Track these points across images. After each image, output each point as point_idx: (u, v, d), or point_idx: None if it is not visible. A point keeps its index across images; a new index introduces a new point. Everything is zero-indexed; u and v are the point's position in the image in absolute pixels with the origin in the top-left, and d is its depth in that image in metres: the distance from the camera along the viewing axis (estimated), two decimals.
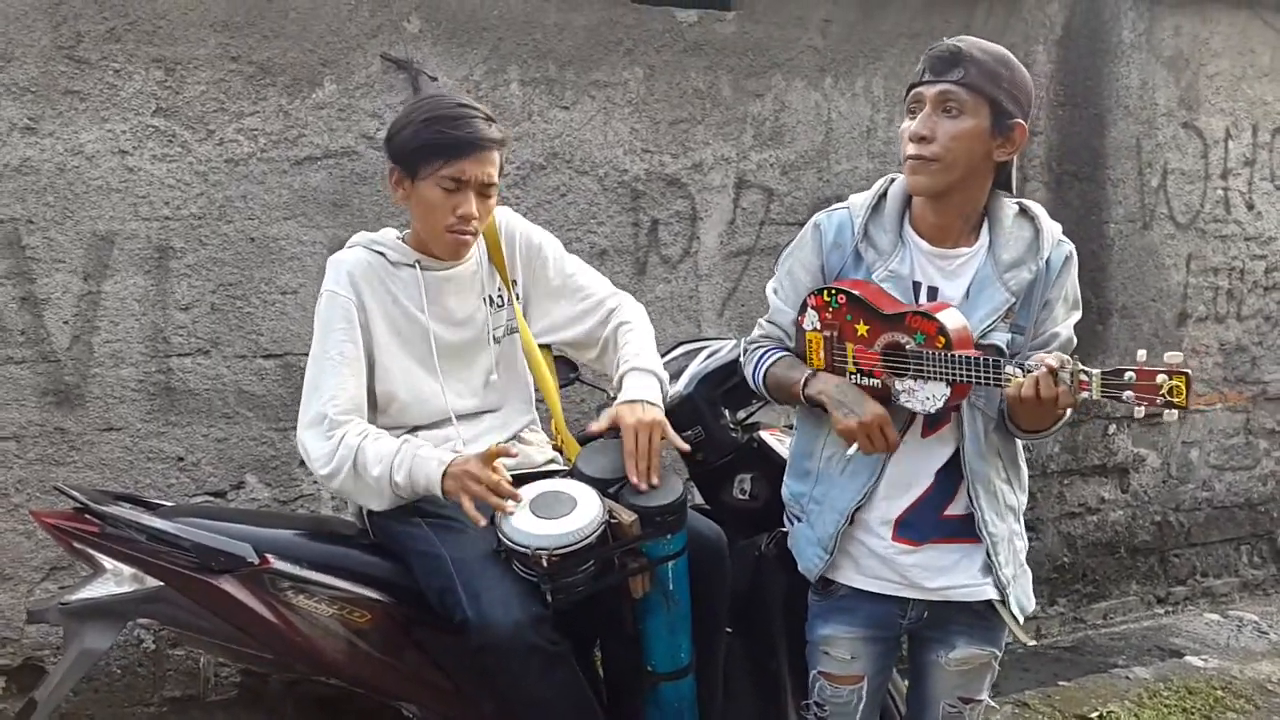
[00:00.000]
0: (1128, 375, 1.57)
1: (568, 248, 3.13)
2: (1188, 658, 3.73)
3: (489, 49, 3.03)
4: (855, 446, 1.81)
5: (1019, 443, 1.93)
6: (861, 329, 1.82)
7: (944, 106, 1.77)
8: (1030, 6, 3.71)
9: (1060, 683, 3.55)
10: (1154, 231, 4.07)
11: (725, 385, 2.21)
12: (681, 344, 2.38)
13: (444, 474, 1.84)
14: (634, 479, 1.87)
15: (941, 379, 1.74)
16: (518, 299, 2.14)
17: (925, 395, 1.77)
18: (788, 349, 1.98)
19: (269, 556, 1.83)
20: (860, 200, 1.94)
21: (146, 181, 2.74)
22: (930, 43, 1.84)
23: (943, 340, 1.74)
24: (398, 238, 2.08)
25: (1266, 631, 4.05)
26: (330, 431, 1.89)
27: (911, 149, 1.80)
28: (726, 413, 2.24)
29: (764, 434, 2.25)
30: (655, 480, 1.88)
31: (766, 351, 2.00)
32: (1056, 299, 1.86)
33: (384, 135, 2.09)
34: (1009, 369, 1.68)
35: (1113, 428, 4.10)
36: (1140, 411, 1.59)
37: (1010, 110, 1.78)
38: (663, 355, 2.35)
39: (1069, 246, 1.89)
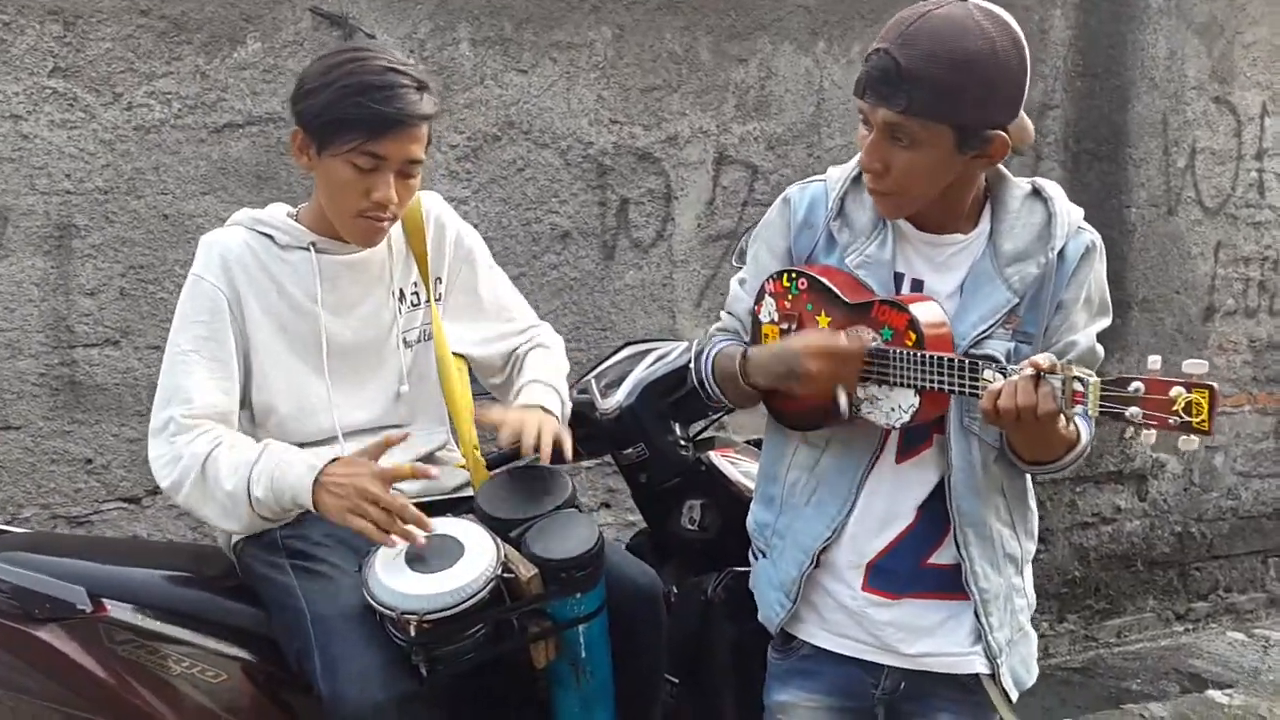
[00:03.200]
0: (1134, 387, 1.24)
1: (526, 228, 2.88)
2: (1210, 692, 3.42)
3: (435, 4, 2.71)
4: (844, 400, 1.47)
5: (1029, 478, 1.60)
6: (823, 320, 1.51)
7: (893, 136, 1.43)
8: None
9: None
10: (1180, 217, 3.74)
11: (675, 395, 1.90)
12: (628, 345, 2.08)
13: (316, 481, 1.54)
14: (503, 441, 1.65)
15: (909, 385, 1.42)
16: (438, 300, 1.83)
17: (890, 405, 1.45)
18: (745, 344, 1.67)
19: (106, 603, 1.54)
20: (839, 172, 1.61)
21: (44, 150, 2.44)
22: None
23: (913, 337, 1.42)
24: (289, 215, 1.77)
25: None
26: (175, 436, 1.60)
27: (868, 180, 1.50)
28: (677, 427, 1.94)
29: (714, 455, 1.94)
30: (546, 451, 1.64)
31: (717, 344, 1.69)
32: (1073, 300, 1.51)
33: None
34: (987, 373, 1.35)
35: (1129, 431, 3.74)
36: (1150, 436, 1.25)
37: (980, 124, 1.42)
38: (605, 358, 2.06)
39: (1091, 236, 1.54)
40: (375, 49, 1.75)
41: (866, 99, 1.43)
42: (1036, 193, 1.54)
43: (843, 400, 1.47)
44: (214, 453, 1.59)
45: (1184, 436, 1.22)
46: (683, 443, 1.94)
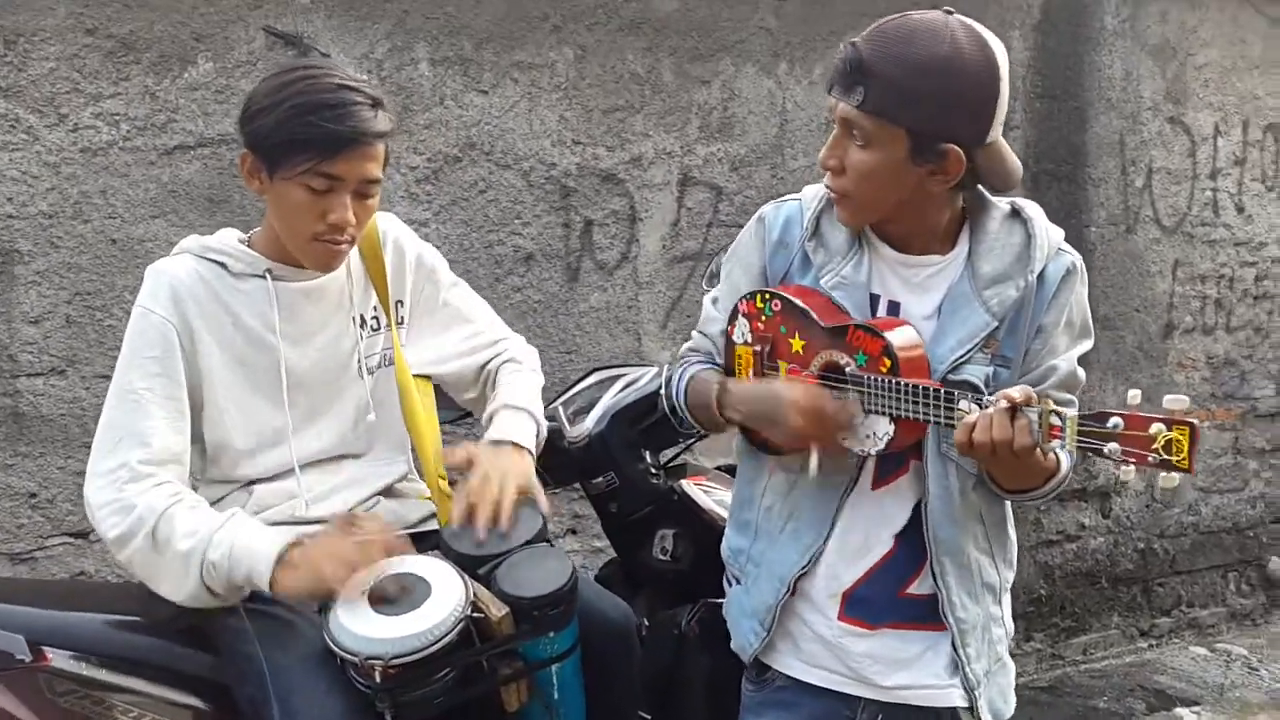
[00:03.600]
0: (1113, 422, 1.19)
1: (488, 251, 2.83)
2: (1178, 710, 3.41)
3: (393, 23, 2.65)
4: (815, 461, 1.44)
5: (1008, 505, 1.57)
6: (797, 344, 1.47)
7: (850, 133, 1.42)
8: None
9: None
10: (1138, 235, 3.76)
11: (645, 422, 1.86)
12: (596, 370, 2.03)
13: (280, 559, 1.44)
14: (455, 519, 1.54)
15: (884, 412, 1.38)
16: (400, 324, 1.76)
17: (865, 433, 1.41)
18: (718, 365, 1.63)
19: (47, 651, 1.45)
20: (813, 191, 1.58)
21: None
22: None
23: (888, 363, 1.38)
24: (241, 240, 1.70)
25: (1256, 668, 3.78)
26: (129, 484, 1.50)
27: (826, 178, 1.48)
28: (647, 455, 1.89)
29: (686, 483, 1.89)
30: (503, 523, 1.54)
31: (690, 366, 1.64)
32: (1054, 324, 1.47)
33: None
34: (963, 404, 1.31)
35: (1111, 465, 3.78)
36: (1129, 472, 1.20)
37: (934, 135, 1.37)
38: (573, 385, 2.01)
39: (1072, 258, 1.50)
40: (326, 66, 1.68)
41: (832, 92, 1.43)
42: (1016, 213, 1.51)
43: (813, 462, 1.44)
44: (171, 509, 1.49)
45: (1164, 474, 1.18)
46: (654, 470, 1.89)
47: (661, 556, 1.88)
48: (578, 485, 1.97)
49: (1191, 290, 3.90)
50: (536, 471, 1.78)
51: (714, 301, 1.65)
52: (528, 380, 1.81)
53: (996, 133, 1.41)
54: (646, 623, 1.86)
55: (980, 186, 1.50)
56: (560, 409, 1.93)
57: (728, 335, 1.57)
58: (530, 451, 1.68)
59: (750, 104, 3.08)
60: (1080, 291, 1.51)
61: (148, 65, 2.45)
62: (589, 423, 1.87)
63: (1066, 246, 1.51)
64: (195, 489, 1.61)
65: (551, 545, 1.56)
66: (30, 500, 2.46)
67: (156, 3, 2.44)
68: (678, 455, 1.99)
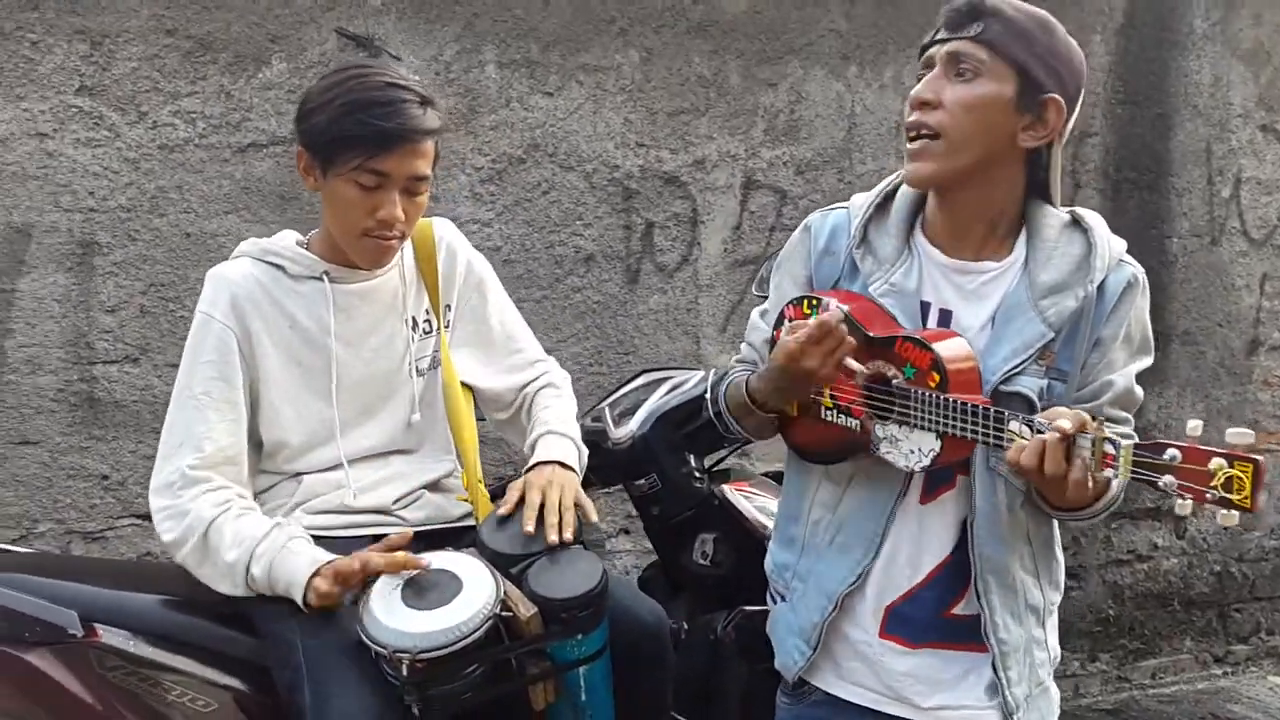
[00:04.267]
0: (1170, 454, 1.13)
1: (549, 251, 2.85)
2: None
3: (462, 26, 2.69)
4: (852, 364, 1.41)
5: (1055, 525, 1.52)
6: (853, 344, 1.42)
7: (956, 68, 1.38)
8: None
9: None
10: (1223, 248, 3.62)
11: (690, 425, 1.85)
12: (644, 372, 2.03)
13: (315, 574, 1.50)
14: (528, 527, 1.55)
15: (930, 429, 1.34)
16: (447, 327, 1.79)
17: (910, 448, 1.37)
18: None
19: (98, 628, 1.50)
20: (862, 199, 1.55)
21: (69, 168, 2.45)
22: None
23: (936, 378, 1.34)
24: (299, 243, 1.74)
25: None
26: (183, 490, 1.57)
27: (912, 116, 1.41)
28: (691, 458, 1.88)
29: (727, 488, 1.88)
30: (569, 535, 1.54)
31: (733, 375, 1.62)
32: (1112, 338, 1.42)
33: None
34: (1014, 425, 1.26)
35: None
36: (1186, 507, 1.13)
37: (1042, 81, 1.37)
38: (620, 386, 2.02)
39: (1134, 270, 1.45)
40: (377, 65, 1.72)
41: (939, 35, 1.41)
42: (1076, 222, 1.46)
43: (854, 365, 1.40)
44: (219, 520, 1.55)
45: (1223, 511, 1.12)
46: (697, 474, 1.89)
47: (701, 561, 1.87)
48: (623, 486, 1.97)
49: None
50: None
51: (762, 314, 1.64)
52: (567, 406, 1.82)
53: (1073, 121, 1.43)
54: (686, 626, 1.86)
55: (1038, 199, 1.47)
56: (606, 410, 1.94)
57: (773, 341, 1.54)
58: (576, 471, 1.69)
59: (818, 107, 3.05)
60: (1141, 305, 1.45)
61: (224, 65, 2.53)
62: (633, 424, 1.87)
63: (1128, 258, 1.46)
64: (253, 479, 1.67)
65: (585, 547, 1.56)
66: (103, 482, 2.56)
67: (233, 4, 2.51)
68: (722, 460, 1.98)
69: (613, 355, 2.90)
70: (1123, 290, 1.42)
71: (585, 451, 1.78)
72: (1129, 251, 1.49)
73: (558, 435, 1.73)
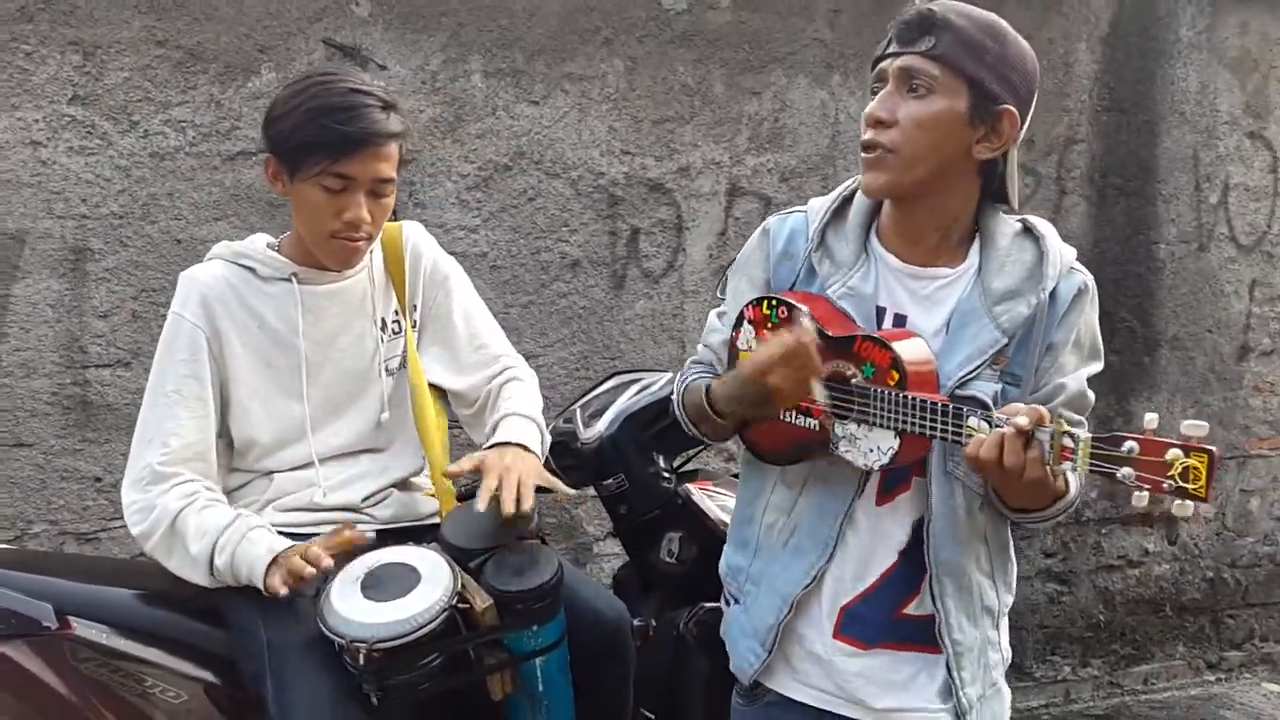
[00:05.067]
0: (1128, 446, 1.15)
1: (535, 257, 2.89)
2: None
3: (448, 36, 2.74)
4: (820, 391, 1.40)
5: (1010, 527, 1.53)
6: (822, 372, 1.43)
7: (909, 84, 1.39)
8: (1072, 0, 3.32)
9: None
10: (1212, 254, 3.64)
11: (657, 425, 1.88)
12: (615, 375, 2.06)
13: (272, 563, 1.55)
14: (480, 503, 1.55)
15: (889, 426, 1.36)
16: (414, 326, 1.83)
17: (869, 446, 1.38)
18: (719, 375, 1.61)
19: (72, 620, 1.55)
20: (820, 203, 1.57)
21: (62, 176, 2.51)
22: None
23: (896, 376, 1.35)
24: (269, 246, 1.79)
25: None
26: (151, 485, 1.61)
27: (867, 134, 1.42)
28: (660, 459, 1.91)
29: (692, 487, 1.91)
30: (525, 506, 1.56)
31: (690, 377, 1.64)
32: (1063, 342, 1.45)
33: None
34: (972, 421, 1.28)
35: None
36: (1143, 499, 1.15)
37: (996, 93, 1.38)
38: (592, 388, 2.05)
39: (1083, 277, 1.48)
40: (341, 72, 1.76)
41: (891, 48, 1.42)
42: (1028, 230, 1.49)
43: (819, 391, 1.40)
44: (185, 512, 1.60)
45: (1179, 501, 1.14)
46: (665, 474, 1.92)
47: (668, 559, 1.90)
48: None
49: (1270, 311, 3.75)
50: (552, 470, 1.83)
51: (720, 315, 1.65)
52: (531, 396, 1.84)
53: (1027, 124, 1.44)
54: (654, 623, 1.88)
55: (993, 205, 1.50)
56: (577, 411, 1.97)
57: (733, 342, 1.55)
58: (536, 454, 1.71)
59: (802, 115, 3.09)
60: (1090, 312, 1.48)
61: (214, 75, 2.58)
62: (601, 425, 1.90)
63: (1078, 265, 1.49)
64: (225, 477, 1.71)
65: (544, 542, 1.59)
66: (95, 484, 2.61)
67: (223, 16, 2.57)
68: (690, 459, 2.01)
69: (599, 360, 2.93)
70: (1074, 297, 1.45)
71: (549, 437, 1.80)
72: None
73: (519, 417, 1.75)
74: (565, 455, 1.90)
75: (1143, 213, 3.53)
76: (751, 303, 1.52)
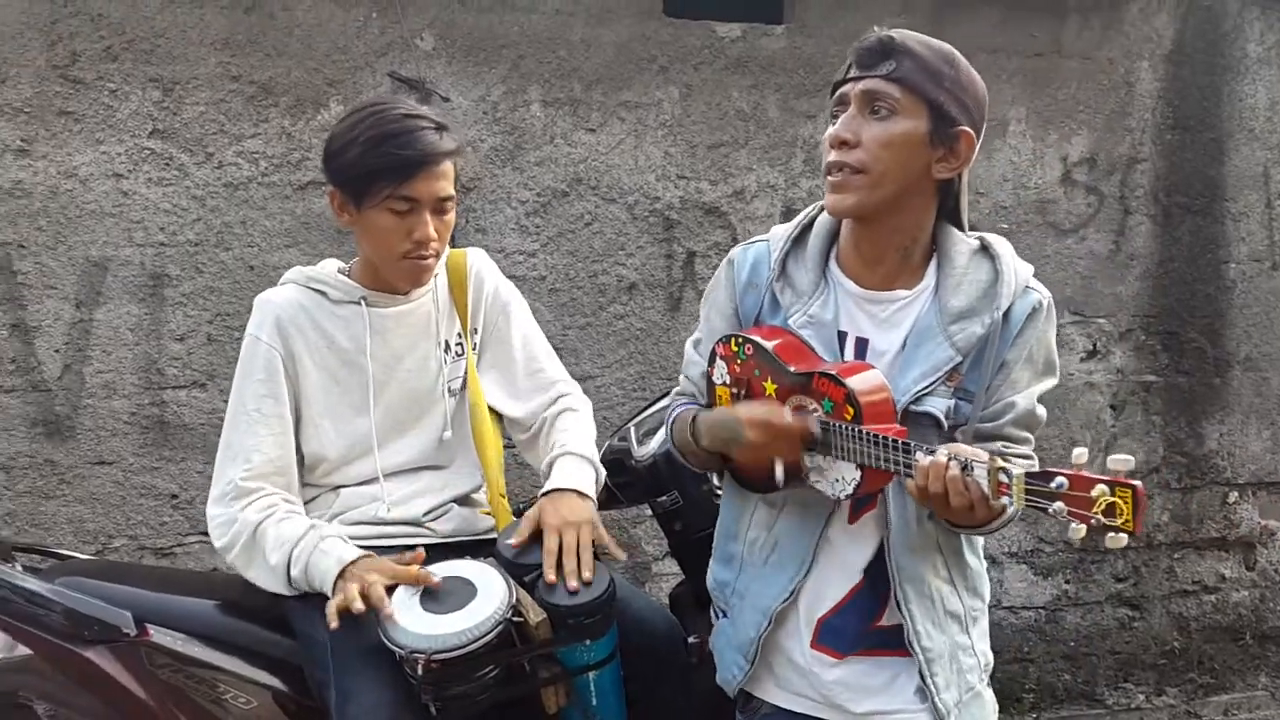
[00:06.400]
0: (1057, 482, 1.18)
1: (592, 280, 2.94)
2: None
3: (508, 67, 2.82)
4: (779, 471, 1.46)
5: (965, 537, 1.56)
6: (769, 387, 1.48)
7: (871, 106, 1.43)
8: (1133, 18, 3.28)
9: None
10: None
11: None
12: (669, 393, 2.07)
13: (340, 574, 1.60)
14: (549, 576, 1.58)
15: (850, 459, 1.39)
16: (474, 349, 1.89)
17: (835, 477, 1.43)
18: (702, 406, 1.66)
19: (149, 628, 1.62)
20: (781, 231, 1.61)
21: (141, 206, 2.63)
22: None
23: (851, 411, 1.38)
24: (340, 271, 1.86)
25: None
26: (235, 500, 1.69)
27: (832, 155, 1.46)
28: (714, 477, 1.92)
29: None
30: (588, 576, 1.59)
31: (676, 408, 1.69)
32: (1016, 360, 1.48)
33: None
34: (919, 455, 1.31)
35: (1233, 495, 3.58)
36: (1079, 531, 1.18)
37: (953, 115, 1.43)
38: (646, 406, 2.08)
39: (1039, 295, 1.50)
40: (392, 100, 1.83)
41: (852, 73, 1.46)
42: (985, 249, 1.52)
43: (779, 471, 1.46)
44: (264, 524, 1.67)
45: (1110, 534, 1.16)
46: (718, 491, 1.93)
47: None
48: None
49: None
50: (608, 488, 1.87)
51: (695, 345, 1.69)
52: (586, 428, 1.88)
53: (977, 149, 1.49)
54: (709, 640, 1.89)
55: (949, 225, 1.53)
56: (631, 429, 2.00)
57: (708, 376, 1.60)
58: (592, 499, 1.74)
59: None
60: (1045, 329, 1.50)
61: (284, 108, 2.69)
62: (654, 443, 1.92)
63: (1035, 284, 1.51)
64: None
65: (597, 558, 1.62)
66: (172, 501, 2.71)
67: (293, 52, 2.68)
68: None
69: (655, 381, 2.97)
70: (1027, 316, 1.48)
71: (603, 473, 1.84)
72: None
73: (575, 457, 1.79)
74: (620, 472, 1.93)
75: (1210, 231, 3.46)
76: (721, 340, 1.57)
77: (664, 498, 1.91)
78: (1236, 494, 3.60)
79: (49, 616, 1.61)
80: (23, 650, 1.61)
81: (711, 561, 1.68)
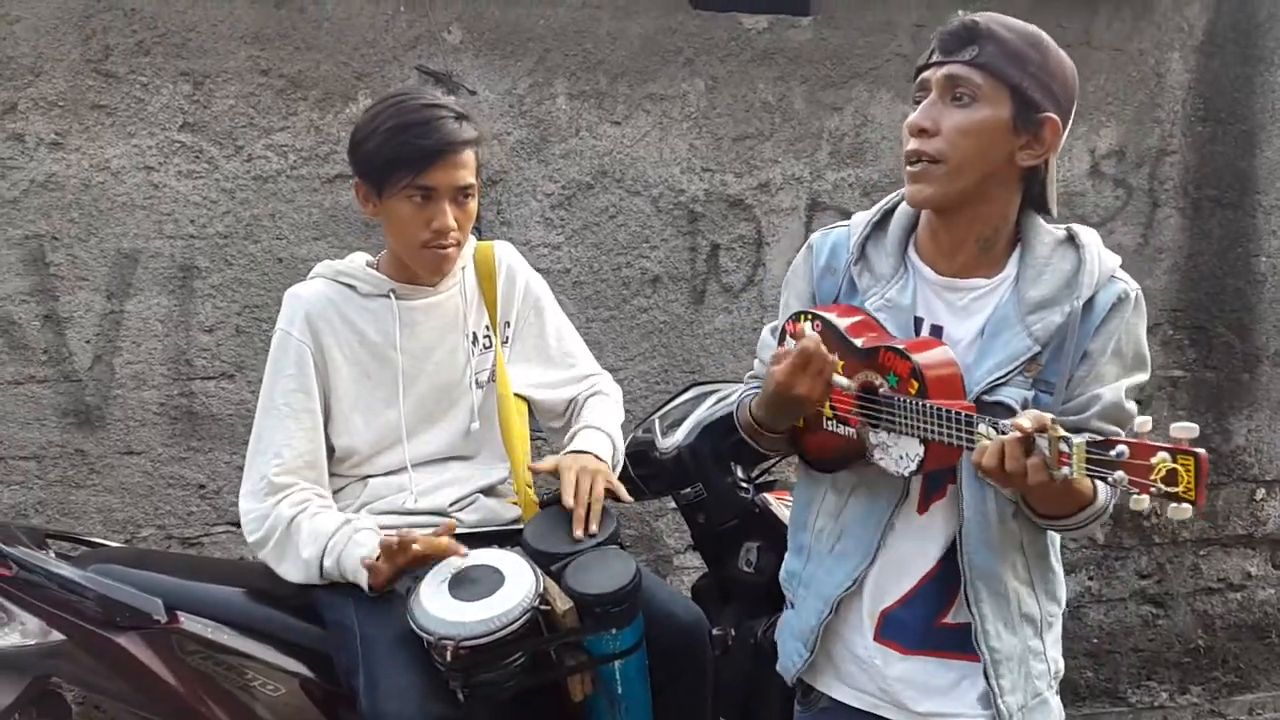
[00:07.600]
0: (1118, 450, 1.15)
1: (616, 273, 2.95)
2: None
3: (535, 60, 2.83)
4: (843, 380, 1.44)
5: (1050, 537, 1.53)
6: (838, 364, 1.46)
7: (952, 93, 1.40)
8: (1165, 8, 3.24)
9: None
10: None
11: (735, 436, 1.86)
12: (693, 385, 2.10)
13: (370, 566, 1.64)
14: (567, 502, 1.67)
15: (913, 434, 1.37)
16: (505, 343, 1.90)
17: (899, 453, 1.40)
18: None
19: (180, 615, 1.65)
20: (862, 218, 1.60)
21: (172, 199, 2.65)
22: None
23: (915, 385, 1.37)
24: (368, 264, 1.88)
25: None
26: (267, 495, 1.71)
27: (911, 144, 1.43)
28: (739, 469, 1.94)
29: (769, 496, 1.93)
30: (594, 528, 1.64)
31: (747, 393, 1.68)
32: (1100, 352, 1.44)
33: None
34: (981, 428, 1.29)
35: (1261, 492, 3.54)
36: (1144, 502, 1.15)
37: (1038, 101, 1.39)
38: (670, 399, 2.09)
39: (1125, 286, 1.46)
40: (414, 91, 1.87)
41: (934, 58, 1.43)
42: (1070, 239, 1.49)
43: (842, 381, 1.43)
44: (298, 519, 1.70)
45: (1172, 505, 1.13)
46: (742, 484, 1.95)
47: (746, 569, 1.92)
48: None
49: None
50: (630, 480, 1.89)
51: (772, 331, 1.68)
52: (611, 409, 1.92)
53: (1066, 134, 1.45)
54: (734, 633, 1.91)
55: (1035, 214, 1.51)
56: (656, 421, 2.01)
57: (779, 356, 1.58)
58: (606, 462, 1.78)
59: (884, 129, 3.09)
60: (1134, 321, 1.46)
61: (313, 102, 2.71)
62: (679, 435, 1.94)
63: (1123, 275, 1.48)
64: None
65: (623, 548, 1.64)
66: (200, 491, 2.74)
67: (322, 45, 2.69)
68: (768, 469, 2.03)
69: (679, 374, 2.97)
70: (1112, 305, 1.44)
71: (622, 450, 1.87)
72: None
73: (594, 429, 1.83)
74: (644, 464, 1.95)
75: (1241, 225, 3.43)
76: (790, 317, 1.56)
77: (688, 490, 1.92)
78: (1264, 491, 3.57)
79: (82, 603, 1.64)
80: (56, 635, 1.64)
81: (786, 554, 1.67)
